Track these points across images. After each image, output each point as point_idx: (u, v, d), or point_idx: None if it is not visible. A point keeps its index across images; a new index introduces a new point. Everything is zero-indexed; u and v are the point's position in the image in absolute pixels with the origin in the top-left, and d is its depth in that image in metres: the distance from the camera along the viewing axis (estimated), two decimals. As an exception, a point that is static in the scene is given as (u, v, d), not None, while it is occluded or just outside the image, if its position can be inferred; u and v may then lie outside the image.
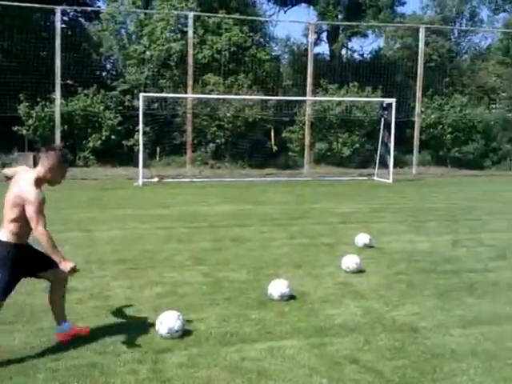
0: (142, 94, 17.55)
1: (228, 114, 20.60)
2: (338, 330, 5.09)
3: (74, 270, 4.23)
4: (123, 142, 21.01)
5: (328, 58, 28.04)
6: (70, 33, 23.61)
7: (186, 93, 20.05)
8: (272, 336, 4.94)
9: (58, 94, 18.98)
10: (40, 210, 4.14)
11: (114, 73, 24.79)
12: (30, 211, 4.10)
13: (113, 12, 23.60)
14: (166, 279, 6.67)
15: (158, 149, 19.02)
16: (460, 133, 23.68)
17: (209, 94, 20.86)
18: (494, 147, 24.21)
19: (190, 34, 20.19)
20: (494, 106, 25.47)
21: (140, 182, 16.55)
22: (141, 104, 17.00)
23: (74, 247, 7.85)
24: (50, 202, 4.52)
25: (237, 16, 23.40)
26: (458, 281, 6.66)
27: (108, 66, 25.90)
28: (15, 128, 19.78)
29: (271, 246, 8.44)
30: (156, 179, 17.58)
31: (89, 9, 26.67)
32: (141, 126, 16.83)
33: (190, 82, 19.54)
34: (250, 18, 23.94)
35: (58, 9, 18.89)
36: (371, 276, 6.86)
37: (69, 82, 20.94)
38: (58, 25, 18.82)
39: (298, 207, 12.41)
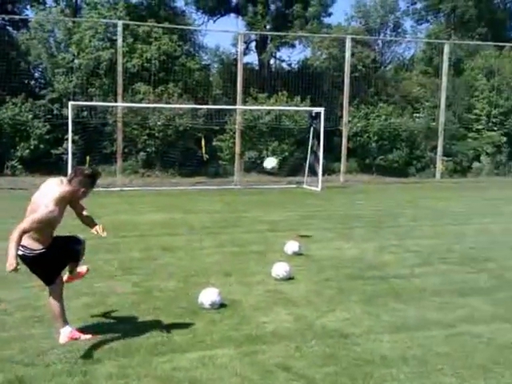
0: (70, 103, 17.13)
1: (159, 123, 20.36)
2: (270, 337, 5.10)
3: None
4: (52, 151, 20.53)
5: (257, 68, 28.23)
6: None
7: (115, 101, 19.64)
8: (203, 345, 4.90)
9: None
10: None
11: (43, 81, 24.11)
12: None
13: (41, 20, 22.88)
14: (94, 289, 6.50)
15: (87, 158, 18.47)
16: (385, 141, 24.46)
17: (139, 102, 20.55)
18: (418, 155, 25.12)
19: (120, 42, 19.87)
20: (417, 115, 26.41)
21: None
22: (70, 112, 16.59)
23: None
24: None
25: (166, 25, 23.25)
26: (385, 287, 6.83)
27: (36, 75, 25.14)
28: None
29: (202, 255, 8.37)
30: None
31: (16, 17, 25.77)
32: (70, 135, 16.35)
33: (119, 91, 19.17)
34: (179, 27, 23.84)
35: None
36: (301, 283, 6.92)
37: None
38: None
39: (228, 216, 12.37)
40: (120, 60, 19.57)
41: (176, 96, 21.44)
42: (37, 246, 4.74)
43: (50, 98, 21.39)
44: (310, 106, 21.73)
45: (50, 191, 4.78)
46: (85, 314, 5.61)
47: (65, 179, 4.96)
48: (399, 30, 34.49)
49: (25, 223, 4.52)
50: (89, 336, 4.99)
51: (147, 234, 10.03)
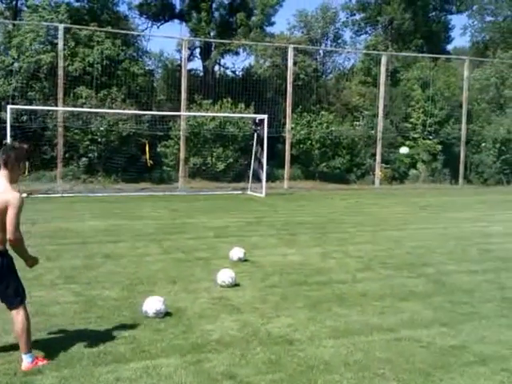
0: (9, 106, 16.66)
1: (101, 128, 19.94)
2: (215, 345, 5.04)
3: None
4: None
5: (201, 74, 28.17)
6: None
7: (56, 105, 19.08)
8: (147, 354, 4.80)
9: None
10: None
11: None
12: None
13: None
14: (33, 299, 6.17)
15: (26, 163, 17.74)
16: (327, 148, 24.86)
17: (81, 106, 20.06)
18: (358, 162, 25.69)
19: (60, 45, 19.43)
20: (357, 123, 27.04)
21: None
22: (8, 116, 16.09)
23: None
24: None
25: (108, 29, 22.89)
26: (328, 292, 6.90)
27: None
28: None
29: (146, 262, 8.23)
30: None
31: None
32: (8, 140, 15.71)
33: (60, 95, 18.72)
34: (121, 31, 23.48)
35: None
36: (246, 290, 6.91)
37: None
38: None
39: (173, 222, 12.24)
40: (61, 63, 19.13)
41: (119, 101, 21.08)
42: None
43: None
44: (253, 113, 21.84)
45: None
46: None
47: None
48: (339, 41, 35.28)
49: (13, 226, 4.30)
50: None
51: (89, 241, 9.77)
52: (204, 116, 21.76)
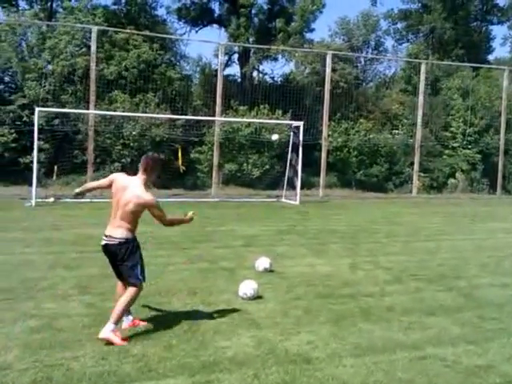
0: (38, 109, 16.50)
1: (133, 133, 19.85)
2: (227, 364, 4.70)
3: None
4: (20, 160, 19.80)
5: (239, 80, 28.01)
6: None
7: (88, 109, 19.04)
8: (154, 374, 4.47)
9: None
10: None
11: (13, 86, 23.43)
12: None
13: (13, 23, 22.20)
14: (43, 311, 6.00)
15: (55, 167, 17.87)
16: (364, 156, 24.30)
17: (114, 111, 20.01)
18: (397, 171, 25.05)
19: (93, 48, 19.38)
20: (396, 131, 26.43)
21: (33, 202, 15.43)
22: (36, 119, 15.98)
23: None
24: None
25: (145, 33, 22.82)
26: (354, 305, 6.49)
27: (6, 79, 24.44)
28: None
29: (168, 272, 7.94)
30: (51, 199, 16.47)
31: None
32: (36, 143, 15.80)
33: (92, 98, 18.63)
34: (158, 35, 23.40)
35: None
36: (268, 302, 6.54)
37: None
38: None
39: (202, 230, 11.93)
40: (93, 67, 18.99)
41: (153, 105, 20.96)
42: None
43: (20, 103, 20.70)
44: (290, 120, 21.48)
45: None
46: (28, 340, 5.10)
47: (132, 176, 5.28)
48: (380, 49, 34.75)
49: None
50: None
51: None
52: (239, 122, 21.49)
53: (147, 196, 5.11)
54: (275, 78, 29.46)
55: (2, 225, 11.87)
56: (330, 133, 23.09)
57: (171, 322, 5.73)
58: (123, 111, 20.11)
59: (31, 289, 6.84)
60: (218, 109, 19.72)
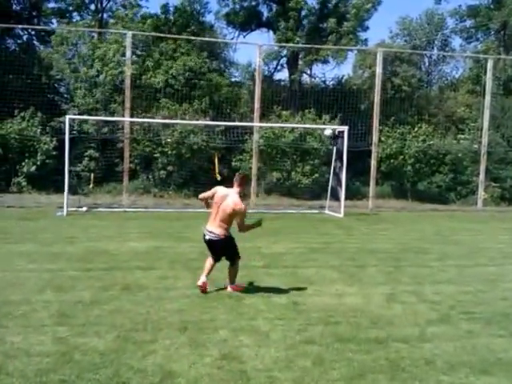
0: (67, 117, 16.03)
1: (169, 140, 19.12)
2: None
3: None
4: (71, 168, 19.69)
5: (288, 84, 26.90)
6: (22, 55, 22.83)
7: (130, 116, 18.41)
8: None
9: None
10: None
11: (66, 96, 23.58)
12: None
13: (66, 33, 22.36)
14: (3, 347, 5.09)
15: (92, 175, 17.42)
16: (423, 164, 22.41)
17: (152, 118, 19.41)
18: (462, 180, 22.85)
19: (128, 54, 18.73)
20: (462, 136, 24.17)
21: (64, 211, 14.85)
22: (67, 125, 15.44)
23: None
24: None
25: (188, 37, 22.38)
26: (381, 355, 5.11)
27: (60, 90, 24.64)
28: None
29: (166, 299, 6.80)
30: (84, 209, 15.92)
31: (38, 27, 25.53)
32: (67, 150, 15.19)
33: (127, 105, 17.94)
34: (198, 38, 22.85)
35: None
36: (272, 346, 5.27)
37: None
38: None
39: (225, 245, 10.77)
40: (129, 73, 18.41)
41: (191, 111, 20.30)
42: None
43: (72, 113, 20.57)
44: (339, 125, 20.04)
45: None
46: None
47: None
48: (447, 49, 32.80)
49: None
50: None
51: (118, 266, 8.56)
52: (282, 127, 20.29)
53: (241, 204, 6.82)
54: (326, 82, 28.19)
55: (20, 236, 11.29)
56: (382, 139, 21.45)
57: (143, 371, 4.65)
58: (162, 118, 19.55)
59: (5, 316, 5.96)
60: (256, 114, 18.54)
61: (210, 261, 7.19)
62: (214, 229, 6.92)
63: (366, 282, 7.95)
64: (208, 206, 7.21)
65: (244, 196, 7.00)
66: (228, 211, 6.78)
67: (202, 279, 7.00)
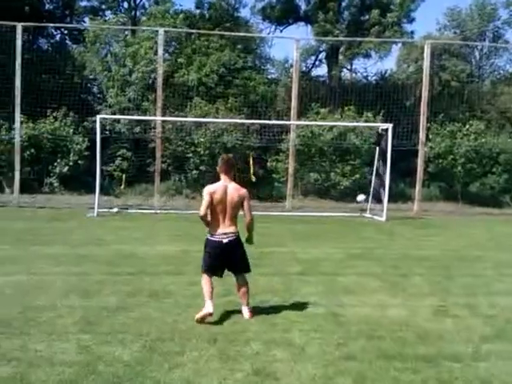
0: (99, 116, 16.34)
1: (201, 139, 19.20)
2: None
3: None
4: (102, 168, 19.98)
5: (327, 81, 26.64)
6: (55, 55, 23.47)
7: (162, 115, 18.51)
8: None
9: (17, 117, 17.73)
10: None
11: (99, 96, 23.96)
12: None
13: (99, 31, 22.75)
14: (26, 354, 5.03)
15: (123, 176, 17.58)
16: (475, 164, 21.70)
17: (185, 116, 19.54)
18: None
19: (160, 52, 18.88)
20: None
21: (95, 212, 15.01)
22: (98, 127, 15.71)
23: None
24: None
25: (222, 32, 22.36)
26: (430, 375, 4.82)
27: (92, 89, 25.08)
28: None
29: (194, 306, 6.60)
30: (115, 209, 16.09)
31: (70, 25, 26.04)
32: (98, 150, 15.41)
33: (159, 104, 18.10)
34: (235, 34, 22.85)
35: (19, 25, 17.54)
36: (308, 361, 5.04)
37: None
38: (19, 42, 17.50)
39: (258, 250, 10.53)
40: (160, 70, 18.55)
41: (224, 110, 20.29)
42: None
43: (105, 112, 20.95)
44: (384, 123, 19.64)
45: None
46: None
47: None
48: (500, 41, 31.91)
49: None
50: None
51: (146, 270, 8.48)
52: (321, 125, 20.02)
53: (243, 188, 6.36)
54: (368, 77, 27.81)
55: (48, 238, 11.43)
56: (430, 137, 20.93)
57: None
58: (195, 117, 19.69)
59: (29, 322, 5.92)
60: (293, 112, 18.37)
61: (209, 280, 6.37)
62: (228, 229, 6.25)
63: (411, 293, 7.62)
64: (207, 220, 6.31)
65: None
66: (235, 202, 6.20)
67: (210, 308, 6.09)
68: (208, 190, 6.22)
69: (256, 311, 6.44)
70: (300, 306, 6.72)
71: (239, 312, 6.41)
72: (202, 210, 6.15)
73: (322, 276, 8.43)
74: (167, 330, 5.77)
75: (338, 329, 5.97)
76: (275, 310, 6.59)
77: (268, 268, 8.87)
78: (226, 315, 6.36)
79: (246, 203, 6.28)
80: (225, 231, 6.25)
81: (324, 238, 12.57)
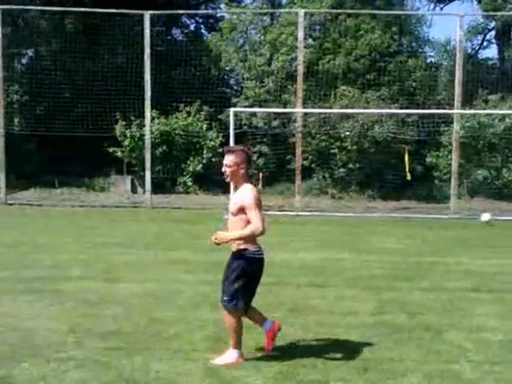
0: (232, 110, 16.58)
1: (347, 133, 18.84)
2: None
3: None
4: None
5: (497, 63, 25.05)
6: (189, 46, 24.07)
7: (302, 107, 18.30)
8: None
9: (147, 113, 18.37)
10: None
11: (236, 88, 24.64)
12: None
13: (236, 18, 23.21)
14: (145, 375, 4.84)
15: (260, 174, 17.64)
16: None
17: (330, 108, 19.37)
18: None
19: (301, 35, 18.43)
20: None
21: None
22: (231, 121, 15.93)
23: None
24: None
25: (373, 11, 21.66)
26: None
27: (229, 81, 25.61)
28: (111, 150, 20.07)
29: (342, 327, 6.11)
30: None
31: (204, 12, 26.67)
32: (231, 143, 15.53)
33: (299, 95, 17.87)
34: (387, 12, 22.10)
35: (147, 13, 18.05)
36: None
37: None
38: (148, 32, 17.98)
39: (415, 260, 9.80)
40: (301, 56, 18.29)
41: (386, 100, 19.95)
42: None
43: (242, 105, 21.24)
44: None
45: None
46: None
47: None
48: None
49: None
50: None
51: (285, 281, 8.12)
52: (491, 115, 19.01)
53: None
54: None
55: (179, 241, 11.66)
56: None
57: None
58: (340, 108, 19.37)
59: (154, 336, 5.78)
60: (457, 100, 17.34)
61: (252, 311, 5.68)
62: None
63: None
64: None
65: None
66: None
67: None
68: (256, 194, 5.25)
69: (415, 335, 5.77)
70: (470, 330, 6.00)
71: (396, 333, 5.77)
72: (262, 225, 5.18)
73: (497, 293, 7.56)
74: (310, 355, 5.29)
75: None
76: (440, 334, 5.90)
77: (428, 281, 8.22)
78: (380, 338, 5.75)
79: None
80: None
81: (498, 246, 11.59)
